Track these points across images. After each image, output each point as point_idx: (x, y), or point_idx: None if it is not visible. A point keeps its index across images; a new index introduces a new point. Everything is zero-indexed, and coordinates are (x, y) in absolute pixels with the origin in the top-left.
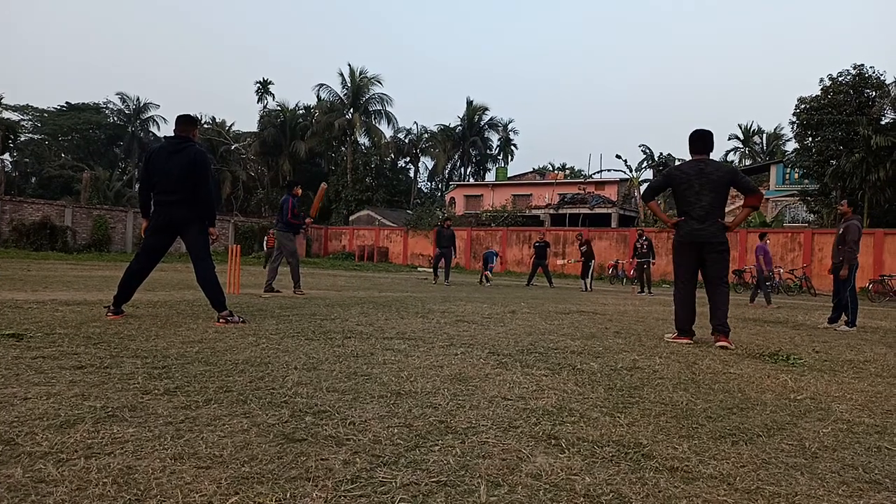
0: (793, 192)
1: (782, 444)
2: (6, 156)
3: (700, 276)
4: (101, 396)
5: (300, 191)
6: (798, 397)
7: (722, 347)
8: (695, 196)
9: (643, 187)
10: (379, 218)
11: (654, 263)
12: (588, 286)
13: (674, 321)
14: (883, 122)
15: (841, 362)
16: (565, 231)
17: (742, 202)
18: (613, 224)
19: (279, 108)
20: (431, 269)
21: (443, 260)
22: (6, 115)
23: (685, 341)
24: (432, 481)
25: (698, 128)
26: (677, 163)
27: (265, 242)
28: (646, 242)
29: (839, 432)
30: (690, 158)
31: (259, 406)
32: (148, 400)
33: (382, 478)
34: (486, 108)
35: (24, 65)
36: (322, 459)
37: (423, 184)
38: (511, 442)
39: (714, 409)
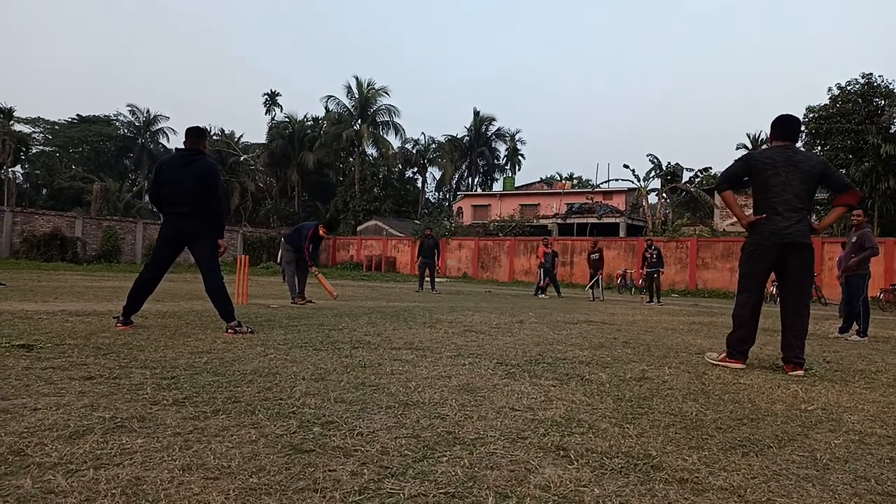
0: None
1: (793, 456)
2: (17, 168)
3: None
4: (110, 407)
5: (325, 232)
6: (809, 408)
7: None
8: (781, 187)
9: (651, 196)
10: (386, 228)
11: (662, 273)
12: (593, 295)
13: (727, 339)
14: (892, 131)
15: (852, 372)
16: (573, 240)
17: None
18: (621, 233)
19: (287, 119)
20: (418, 279)
21: (427, 269)
22: (18, 127)
23: (737, 365)
24: (440, 493)
25: (784, 113)
26: (686, 173)
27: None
28: (655, 252)
29: (851, 443)
30: (774, 145)
31: (267, 417)
32: (157, 410)
33: (390, 489)
34: (494, 119)
35: (35, 78)
36: (330, 470)
37: (431, 194)
38: (519, 453)
39: (724, 420)
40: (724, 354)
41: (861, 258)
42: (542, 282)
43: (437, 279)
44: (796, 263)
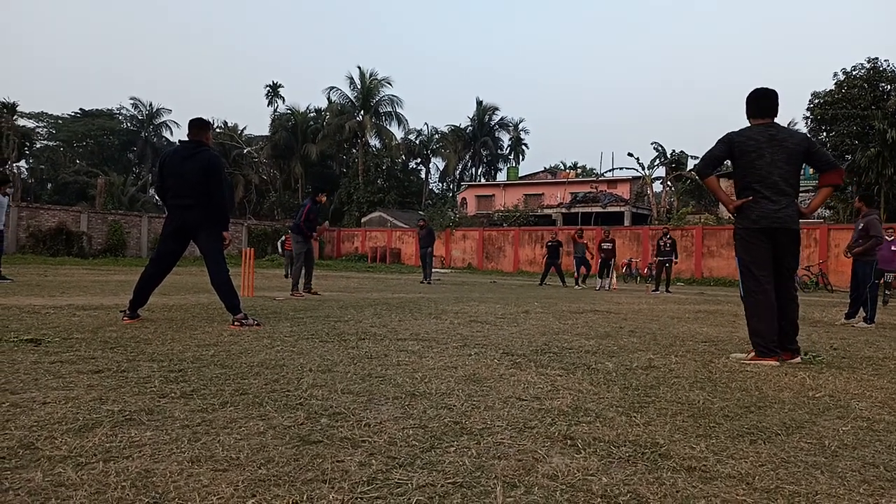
0: (807, 188)
1: (801, 443)
2: (22, 163)
3: None
4: (118, 400)
5: (325, 199)
6: (816, 395)
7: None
8: (767, 168)
9: (656, 184)
10: (391, 219)
11: (675, 262)
12: (601, 285)
13: (752, 335)
14: None
15: (859, 359)
16: (577, 230)
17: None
18: (626, 222)
19: (290, 111)
20: (422, 270)
21: (426, 259)
22: (22, 122)
23: (771, 363)
24: (448, 482)
25: (760, 87)
26: (691, 161)
27: (281, 245)
28: (669, 241)
29: (859, 430)
30: (753, 123)
31: (275, 408)
32: (165, 403)
33: (398, 479)
34: (497, 108)
35: (38, 73)
36: (338, 461)
37: (435, 185)
38: (526, 443)
39: (731, 408)
40: (752, 353)
41: (865, 247)
42: (578, 272)
43: (440, 269)
44: (785, 249)
